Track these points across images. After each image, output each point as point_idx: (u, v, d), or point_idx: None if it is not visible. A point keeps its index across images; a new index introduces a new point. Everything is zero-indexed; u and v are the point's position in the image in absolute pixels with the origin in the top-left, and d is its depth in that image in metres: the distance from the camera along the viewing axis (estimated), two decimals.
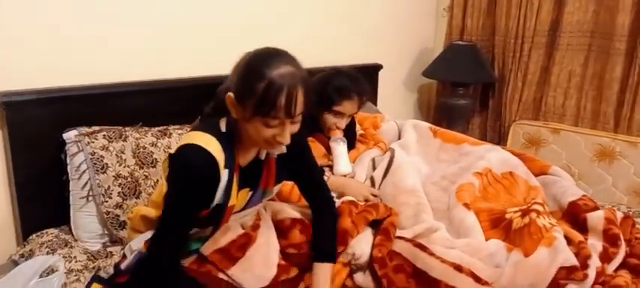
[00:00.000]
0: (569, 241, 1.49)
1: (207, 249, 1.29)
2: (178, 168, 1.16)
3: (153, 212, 1.34)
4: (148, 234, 1.34)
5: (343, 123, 1.93)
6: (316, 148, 1.97)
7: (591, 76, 2.73)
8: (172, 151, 1.22)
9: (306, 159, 1.45)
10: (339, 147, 1.90)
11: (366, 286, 1.40)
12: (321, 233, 1.41)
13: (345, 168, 1.89)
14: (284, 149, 1.33)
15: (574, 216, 1.67)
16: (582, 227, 1.61)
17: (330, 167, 1.94)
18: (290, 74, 1.14)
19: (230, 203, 1.26)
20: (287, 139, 1.18)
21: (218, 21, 2.09)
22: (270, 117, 1.14)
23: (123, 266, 1.27)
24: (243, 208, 1.37)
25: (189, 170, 1.15)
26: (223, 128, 1.23)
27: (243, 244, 1.31)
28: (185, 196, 1.16)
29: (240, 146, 1.27)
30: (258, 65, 1.15)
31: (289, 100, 1.13)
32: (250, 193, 1.34)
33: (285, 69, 1.14)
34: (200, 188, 1.17)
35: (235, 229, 1.34)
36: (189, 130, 1.27)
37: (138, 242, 1.33)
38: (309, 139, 1.96)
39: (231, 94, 1.18)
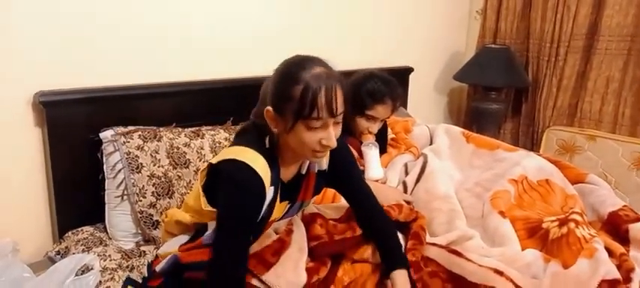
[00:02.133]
0: (610, 252, 1.44)
1: None
2: (228, 187, 1.16)
3: (187, 217, 1.34)
4: (181, 238, 1.36)
5: (376, 127, 1.90)
6: None
7: (631, 82, 2.64)
8: (212, 160, 1.21)
9: (347, 166, 1.41)
10: (371, 152, 1.88)
11: None
12: (384, 242, 1.38)
13: (377, 173, 1.86)
14: (325, 164, 1.32)
15: (614, 227, 1.62)
16: (623, 239, 1.56)
17: (362, 172, 1.93)
18: (325, 74, 1.14)
19: (272, 218, 1.27)
20: (333, 142, 1.16)
21: (251, 23, 2.10)
22: (312, 119, 1.12)
23: (157, 269, 1.28)
24: (280, 219, 1.37)
25: (238, 189, 1.15)
26: (267, 144, 1.22)
27: (278, 249, 1.30)
28: (237, 213, 1.16)
29: (282, 162, 1.25)
30: (292, 71, 1.15)
31: (329, 97, 1.12)
32: (288, 205, 1.34)
33: (320, 69, 1.14)
34: (250, 206, 1.16)
35: (269, 235, 1.34)
36: (232, 145, 1.24)
37: (170, 245, 1.34)
38: None
39: (268, 107, 1.17)
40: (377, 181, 1.87)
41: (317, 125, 1.13)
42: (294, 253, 1.32)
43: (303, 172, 1.32)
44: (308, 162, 1.31)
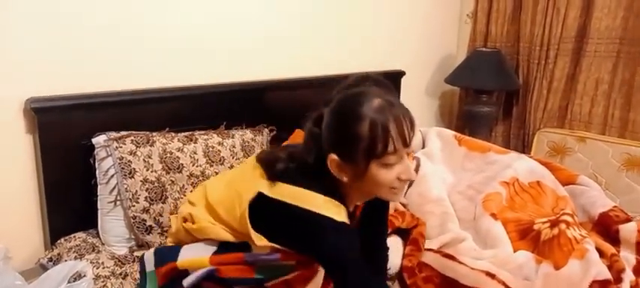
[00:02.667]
0: (600, 253, 1.46)
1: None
2: (323, 236, 1.08)
3: (227, 235, 1.29)
4: (201, 246, 1.32)
5: None
6: None
7: (620, 84, 2.67)
8: (269, 194, 1.15)
9: (383, 212, 1.35)
10: None
11: None
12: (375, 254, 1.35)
13: None
14: (400, 198, 1.26)
15: (605, 227, 1.64)
16: (613, 239, 1.59)
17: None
18: (386, 102, 1.05)
19: None
20: (413, 174, 1.08)
21: (243, 28, 2.10)
22: (387, 155, 1.03)
23: (185, 284, 1.24)
24: None
25: (336, 232, 1.08)
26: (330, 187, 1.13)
27: (308, 276, 1.23)
28: (350, 253, 1.10)
29: (347, 201, 1.18)
30: (351, 109, 1.05)
31: (400, 127, 1.03)
32: None
33: (378, 100, 1.05)
34: (355, 245, 1.12)
35: None
36: (299, 185, 1.14)
37: (191, 253, 1.31)
38: None
39: (333, 156, 1.07)
40: None
41: (392, 161, 1.04)
42: (320, 280, 1.26)
43: (350, 209, 1.24)
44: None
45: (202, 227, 1.36)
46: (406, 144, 1.05)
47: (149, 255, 1.37)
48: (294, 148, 1.27)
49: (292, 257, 1.20)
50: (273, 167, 1.20)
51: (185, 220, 1.42)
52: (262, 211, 1.18)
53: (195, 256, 1.29)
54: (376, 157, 1.03)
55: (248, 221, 1.19)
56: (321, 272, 1.24)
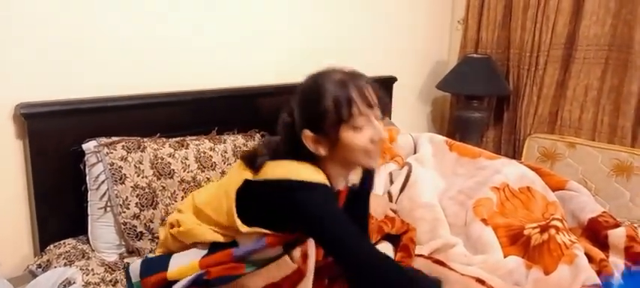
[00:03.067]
0: (590, 258, 1.47)
1: (260, 281, 1.24)
2: (309, 200, 1.12)
3: (217, 236, 1.30)
4: (193, 252, 1.32)
5: None
6: None
7: (609, 90, 2.70)
8: (251, 177, 1.20)
9: (365, 199, 1.39)
10: None
11: None
12: None
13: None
14: (377, 163, 1.27)
15: (594, 233, 1.65)
16: (603, 244, 1.59)
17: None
18: (346, 73, 1.15)
19: None
20: (383, 132, 1.15)
21: (233, 33, 2.10)
22: (354, 117, 1.10)
23: None
24: None
25: (319, 191, 1.13)
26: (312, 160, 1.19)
27: (296, 280, 1.23)
28: (338, 213, 1.13)
29: (333, 180, 1.22)
30: (314, 88, 1.14)
31: (362, 91, 1.12)
32: None
33: (339, 74, 1.15)
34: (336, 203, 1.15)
35: (287, 263, 1.26)
36: (272, 158, 1.21)
37: (181, 261, 1.31)
38: None
39: (307, 132, 1.14)
40: None
41: (361, 123, 1.12)
42: (308, 284, 1.27)
43: (341, 187, 1.28)
44: (345, 181, 1.28)
45: (189, 229, 1.36)
46: (370, 105, 1.13)
47: (134, 266, 1.37)
48: (272, 138, 1.32)
49: (279, 239, 1.21)
50: (255, 158, 1.25)
51: (172, 226, 1.42)
52: (248, 196, 1.21)
53: (186, 263, 1.29)
54: (345, 122, 1.11)
55: (234, 209, 1.21)
56: (310, 274, 1.25)
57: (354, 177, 1.31)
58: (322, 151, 1.15)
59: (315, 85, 1.14)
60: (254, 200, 1.21)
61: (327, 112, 1.11)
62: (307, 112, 1.15)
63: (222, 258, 1.26)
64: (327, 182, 1.16)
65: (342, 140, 1.13)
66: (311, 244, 1.34)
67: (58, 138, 1.61)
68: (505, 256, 1.54)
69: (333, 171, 1.20)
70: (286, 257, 1.27)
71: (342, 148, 1.14)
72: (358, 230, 1.13)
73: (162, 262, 1.33)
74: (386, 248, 1.49)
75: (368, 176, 1.37)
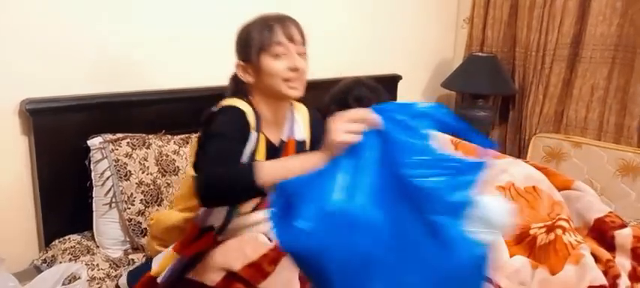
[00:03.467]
0: (596, 259, 1.46)
1: (237, 263, 1.25)
2: (217, 116, 1.22)
3: (178, 216, 1.34)
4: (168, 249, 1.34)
5: None
6: None
7: (615, 90, 2.69)
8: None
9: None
10: None
11: None
12: None
13: None
14: (304, 132, 1.37)
15: (600, 233, 1.64)
16: (609, 245, 1.58)
17: None
18: (275, 13, 1.27)
19: None
20: (301, 63, 1.24)
21: (233, 28, 2.09)
22: (273, 45, 1.22)
23: (160, 280, 1.26)
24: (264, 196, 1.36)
25: (224, 113, 1.23)
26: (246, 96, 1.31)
27: (275, 258, 1.26)
28: (227, 127, 1.19)
29: (264, 119, 1.30)
30: (245, 25, 1.30)
31: (283, 24, 1.24)
32: None
33: (268, 14, 1.28)
34: (237, 124, 1.21)
35: (265, 243, 1.30)
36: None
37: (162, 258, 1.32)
38: None
39: (238, 61, 1.30)
40: None
41: (279, 51, 1.23)
42: (290, 262, 1.31)
43: (284, 138, 1.36)
44: (287, 127, 1.37)
45: (160, 216, 1.41)
46: (290, 38, 1.24)
47: (122, 280, 1.40)
48: None
49: None
50: None
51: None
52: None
53: (165, 255, 1.31)
54: (264, 50, 1.23)
55: (193, 169, 1.28)
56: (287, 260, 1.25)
57: (301, 128, 1.41)
58: (249, 78, 1.28)
59: (247, 22, 1.29)
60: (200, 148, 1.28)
61: (251, 39, 1.25)
62: (238, 45, 1.30)
63: (191, 235, 1.29)
64: (246, 110, 1.24)
65: (263, 67, 1.24)
66: None
67: (64, 134, 1.62)
68: (511, 256, 1.53)
69: (263, 104, 1.30)
70: (261, 236, 1.30)
71: (264, 75, 1.25)
72: (227, 151, 1.13)
73: (146, 265, 1.37)
74: None
75: (317, 135, 1.37)
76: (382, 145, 0.86)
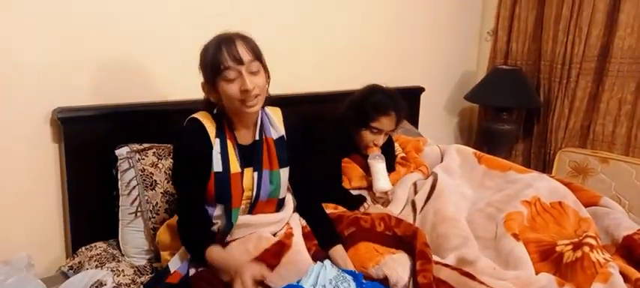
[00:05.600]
0: (625, 278, 1.43)
1: (242, 260, 1.32)
2: (175, 139, 1.40)
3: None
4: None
5: (381, 140, 1.92)
6: (353, 169, 1.96)
7: None
8: None
9: (298, 136, 1.53)
10: (378, 164, 1.88)
11: None
12: (321, 225, 1.52)
13: (384, 184, 1.87)
14: (281, 131, 1.47)
15: (629, 251, 1.60)
16: (638, 263, 1.54)
17: (367, 189, 1.93)
18: (224, 34, 1.32)
19: (232, 171, 1.36)
20: (250, 84, 1.29)
21: (262, 40, 2.11)
22: (223, 70, 1.28)
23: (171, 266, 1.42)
24: (258, 195, 1.41)
25: (181, 136, 1.38)
26: (214, 112, 1.40)
27: (278, 251, 1.35)
28: (182, 159, 1.36)
29: (234, 126, 1.41)
30: (205, 44, 1.34)
31: (229, 47, 1.29)
32: (255, 173, 1.41)
33: (218, 37, 1.32)
34: (192, 149, 1.34)
35: (268, 238, 1.39)
36: None
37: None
38: (345, 160, 1.97)
39: (202, 81, 1.36)
40: (385, 193, 1.87)
41: (231, 76, 1.29)
42: (294, 255, 1.36)
43: (257, 138, 1.43)
44: (259, 126, 1.43)
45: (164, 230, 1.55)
46: (238, 61, 1.29)
47: None
48: None
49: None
50: None
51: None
52: None
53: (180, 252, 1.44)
54: (219, 75, 1.29)
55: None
56: (295, 247, 1.39)
57: (277, 127, 1.47)
58: (213, 98, 1.36)
59: (206, 43, 1.34)
60: None
61: (207, 65, 1.32)
62: (201, 67, 1.36)
63: None
64: (207, 123, 1.37)
65: (220, 90, 1.32)
66: (296, 224, 1.50)
67: (92, 143, 1.66)
68: (536, 273, 1.51)
69: (232, 113, 1.38)
70: (268, 234, 1.41)
71: (223, 96, 1.33)
72: (190, 185, 1.36)
73: (164, 271, 1.44)
74: (401, 259, 1.46)
75: (292, 129, 1.51)
76: None
